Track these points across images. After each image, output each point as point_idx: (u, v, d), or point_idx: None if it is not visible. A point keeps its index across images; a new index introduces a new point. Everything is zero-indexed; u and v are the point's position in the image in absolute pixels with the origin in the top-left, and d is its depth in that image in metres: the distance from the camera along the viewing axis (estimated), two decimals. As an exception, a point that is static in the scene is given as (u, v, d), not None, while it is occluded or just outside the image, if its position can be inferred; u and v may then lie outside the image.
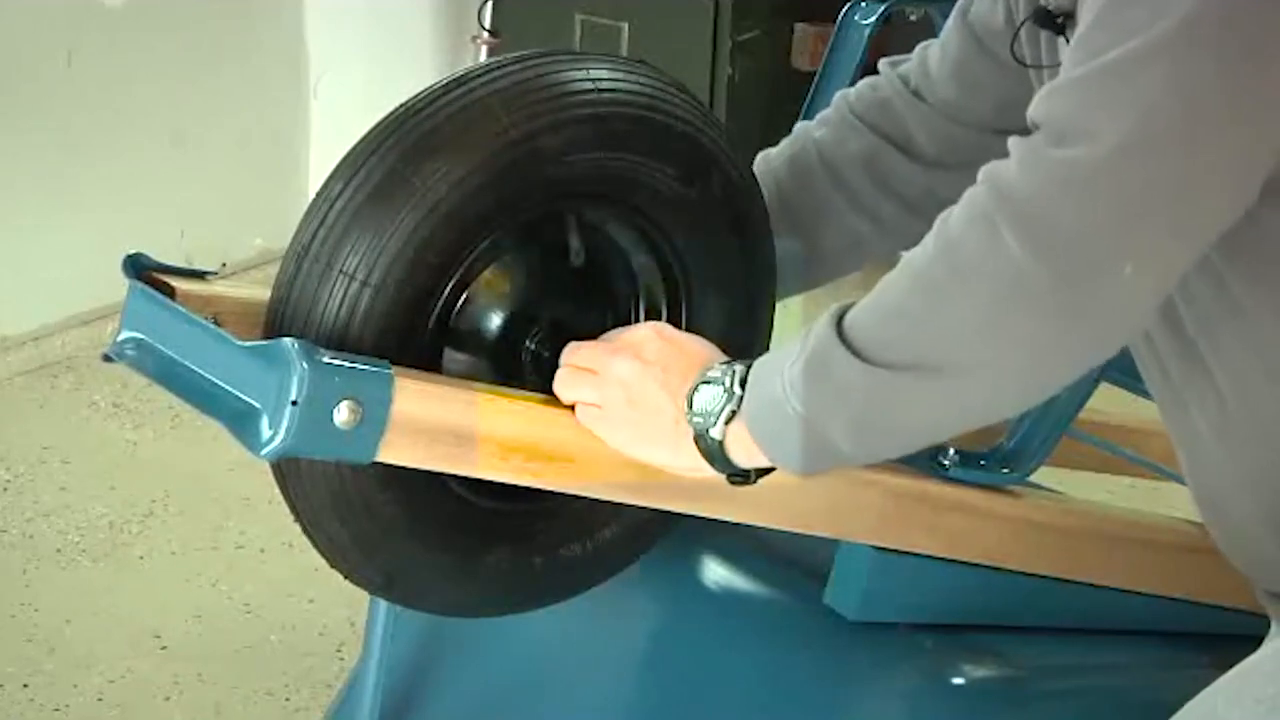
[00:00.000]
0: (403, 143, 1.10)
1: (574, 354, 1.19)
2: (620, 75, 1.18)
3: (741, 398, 1.10)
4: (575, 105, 1.14)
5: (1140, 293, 1.01)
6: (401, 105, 1.13)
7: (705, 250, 1.27)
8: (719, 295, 1.29)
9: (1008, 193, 1.00)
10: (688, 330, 1.26)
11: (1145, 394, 1.29)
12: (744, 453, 1.12)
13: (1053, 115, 1.00)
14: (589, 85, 1.16)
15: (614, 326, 1.27)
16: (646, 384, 1.14)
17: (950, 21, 1.42)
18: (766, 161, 1.47)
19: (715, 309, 1.30)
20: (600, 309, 1.28)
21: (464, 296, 1.18)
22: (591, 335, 1.23)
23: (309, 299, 1.09)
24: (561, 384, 1.18)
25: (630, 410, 1.15)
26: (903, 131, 1.43)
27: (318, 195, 1.11)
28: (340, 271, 1.08)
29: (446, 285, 1.14)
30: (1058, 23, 1.16)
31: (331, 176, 1.11)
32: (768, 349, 1.34)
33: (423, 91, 1.13)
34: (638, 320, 1.29)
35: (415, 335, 1.13)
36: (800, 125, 1.50)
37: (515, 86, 1.13)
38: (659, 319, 1.29)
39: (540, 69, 1.15)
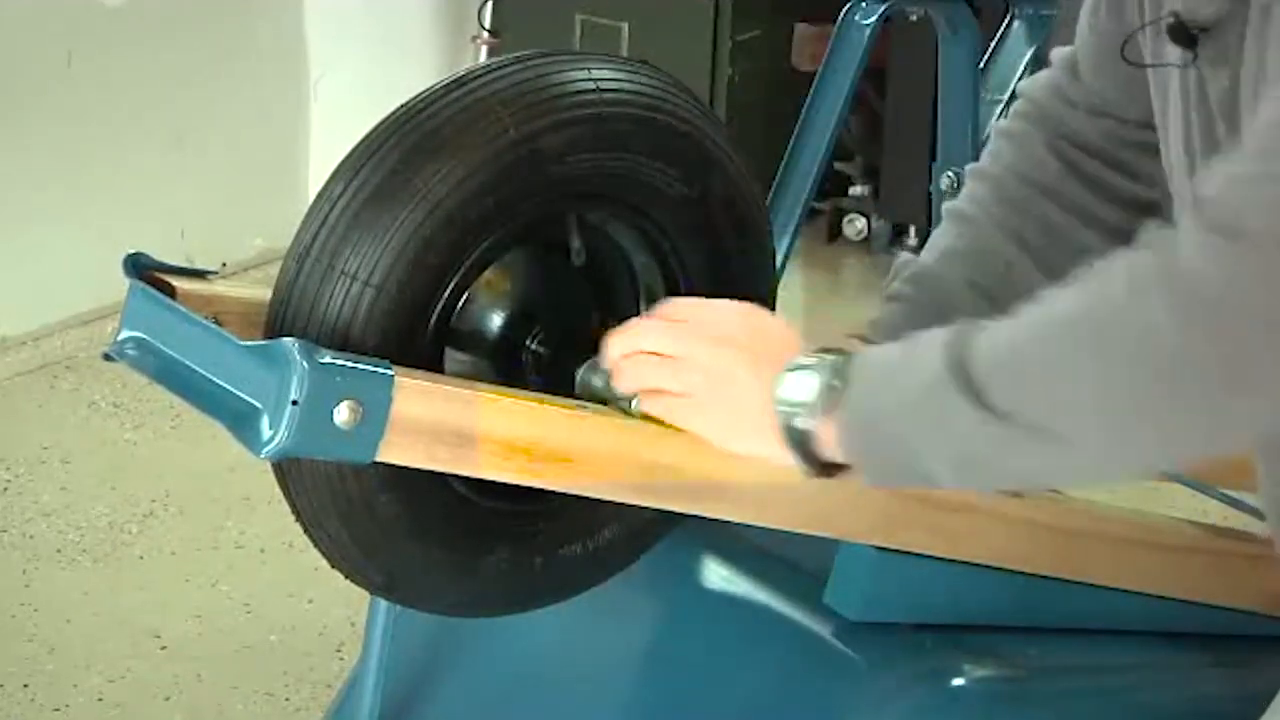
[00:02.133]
0: (403, 144, 1.10)
1: (644, 337, 1.13)
2: (622, 76, 1.18)
3: (837, 390, 1.05)
4: (576, 105, 1.14)
5: None
6: (402, 106, 1.13)
7: (707, 251, 1.27)
8: (720, 297, 1.29)
9: (1181, 275, 0.92)
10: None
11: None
12: (829, 447, 1.07)
13: (1229, 207, 0.93)
14: (590, 85, 1.15)
15: (615, 327, 1.27)
16: (735, 371, 1.09)
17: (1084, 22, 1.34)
18: (974, 201, 1.37)
19: (713, 283, 1.29)
20: (601, 309, 1.28)
21: (465, 296, 1.18)
22: (591, 336, 1.22)
23: (310, 299, 1.09)
24: (637, 375, 1.13)
25: (717, 399, 1.09)
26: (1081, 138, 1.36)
27: (318, 196, 1.11)
28: (341, 272, 1.08)
29: (448, 285, 1.14)
30: (1192, 35, 1.09)
31: (332, 177, 1.11)
32: None
33: (423, 92, 1.13)
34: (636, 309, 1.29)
35: (417, 335, 1.13)
36: (978, 169, 1.40)
37: (516, 87, 1.13)
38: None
39: (541, 69, 1.15)
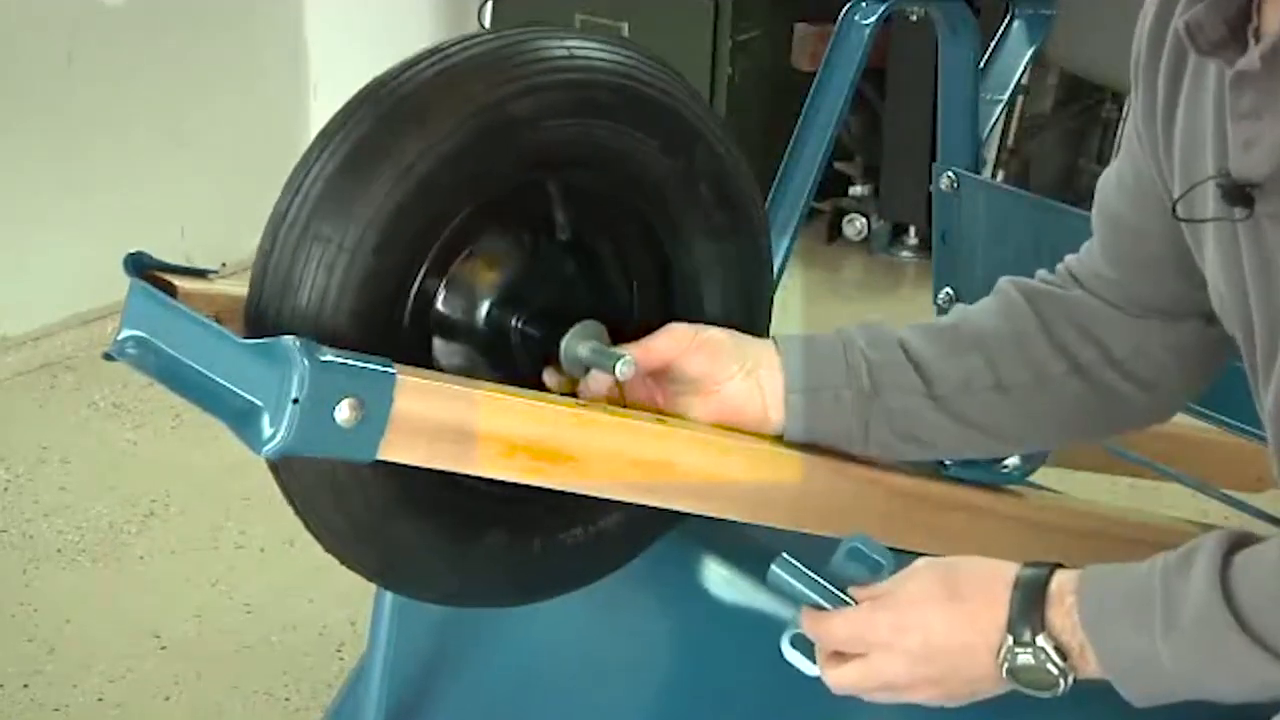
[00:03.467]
0: (377, 109, 1.10)
1: (833, 636, 1.12)
2: (596, 45, 1.18)
3: (1069, 665, 1.03)
4: (549, 71, 1.14)
5: None
6: (376, 78, 1.13)
7: (692, 224, 1.27)
8: (710, 273, 1.29)
9: None
10: (683, 304, 1.26)
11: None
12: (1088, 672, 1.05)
13: None
14: (563, 52, 1.15)
15: (603, 303, 1.27)
16: (945, 680, 1.07)
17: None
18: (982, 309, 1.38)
19: (709, 288, 1.29)
20: (589, 285, 1.28)
21: (449, 274, 1.18)
22: (582, 313, 1.22)
23: (285, 267, 1.09)
24: (846, 676, 1.11)
25: (940, 690, 1.08)
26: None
27: (295, 167, 1.12)
28: (315, 236, 1.08)
29: (427, 255, 1.14)
30: (1246, 194, 1.08)
31: (309, 149, 1.12)
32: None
33: (396, 64, 1.14)
34: (630, 296, 1.29)
35: (397, 306, 1.13)
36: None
37: (489, 54, 1.13)
38: (651, 297, 1.29)
39: (514, 39, 1.15)
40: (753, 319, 1.33)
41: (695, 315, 1.28)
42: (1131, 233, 1.29)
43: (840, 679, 1.11)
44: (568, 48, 1.16)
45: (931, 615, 1.07)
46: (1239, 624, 0.98)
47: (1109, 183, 1.32)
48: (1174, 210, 1.17)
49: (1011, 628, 1.04)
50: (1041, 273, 1.38)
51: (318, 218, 1.09)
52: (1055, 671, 1.03)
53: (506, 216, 1.21)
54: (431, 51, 1.14)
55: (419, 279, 1.15)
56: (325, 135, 1.11)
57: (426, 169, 1.10)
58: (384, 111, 1.10)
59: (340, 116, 1.12)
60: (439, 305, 1.19)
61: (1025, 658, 1.04)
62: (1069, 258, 1.38)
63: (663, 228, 1.27)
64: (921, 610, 1.08)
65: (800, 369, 1.26)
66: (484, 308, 1.21)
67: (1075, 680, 1.04)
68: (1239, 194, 1.09)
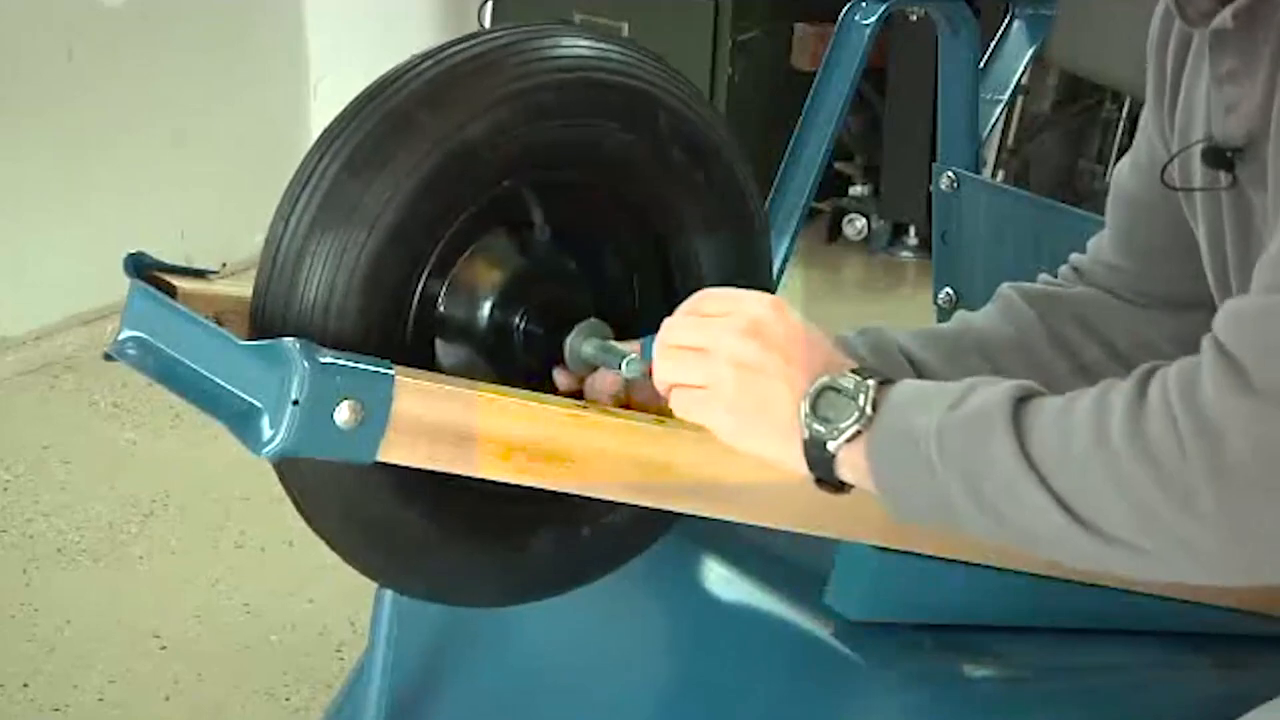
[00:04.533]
0: (340, 156, 1.10)
1: (675, 331, 1.12)
2: (534, 44, 1.17)
3: (872, 419, 1.05)
4: (495, 87, 1.13)
5: None
6: (334, 118, 1.13)
7: (670, 190, 1.25)
8: (703, 235, 1.28)
9: (1197, 410, 0.94)
10: (680, 277, 1.26)
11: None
12: (853, 473, 1.07)
13: (1236, 349, 0.94)
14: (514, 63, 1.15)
15: (604, 295, 1.27)
16: (765, 370, 1.07)
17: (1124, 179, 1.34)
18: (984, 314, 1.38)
19: (705, 251, 1.28)
20: (588, 278, 1.28)
21: (449, 282, 1.18)
22: (582, 310, 1.22)
23: (291, 266, 1.09)
24: (665, 369, 1.11)
25: (741, 396, 1.08)
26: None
27: (299, 169, 1.12)
28: (320, 237, 1.08)
29: (430, 253, 1.14)
30: (1228, 158, 1.09)
31: (311, 150, 1.13)
32: None
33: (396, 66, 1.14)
34: (629, 286, 1.29)
35: (402, 313, 1.14)
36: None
37: (433, 83, 1.12)
38: (650, 278, 1.28)
39: (457, 59, 1.14)
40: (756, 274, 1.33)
41: (693, 274, 1.28)
42: (1144, 213, 1.30)
43: (675, 341, 1.11)
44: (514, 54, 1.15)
45: (762, 312, 1.10)
46: (1015, 433, 0.99)
47: (1124, 167, 1.33)
48: (1162, 175, 1.18)
49: (833, 367, 1.08)
50: (1044, 275, 1.38)
51: (321, 219, 1.09)
52: (856, 411, 1.04)
53: (497, 225, 1.21)
54: (430, 53, 1.14)
55: (421, 281, 1.15)
56: (328, 135, 1.12)
57: (429, 172, 1.10)
58: (346, 158, 1.10)
59: (342, 116, 1.13)
60: (444, 320, 1.19)
61: (845, 380, 1.06)
62: (1074, 255, 1.39)
63: (645, 203, 1.26)
64: (751, 304, 1.10)
65: None
66: (486, 308, 1.21)
67: (849, 438, 1.05)
68: (1221, 158, 1.10)
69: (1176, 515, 0.95)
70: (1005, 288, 1.36)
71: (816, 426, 1.06)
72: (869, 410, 1.05)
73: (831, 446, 1.06)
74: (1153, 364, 0.99)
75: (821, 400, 1.06)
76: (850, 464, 1.06)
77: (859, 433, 1.05)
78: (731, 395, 1.08)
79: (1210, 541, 0.95)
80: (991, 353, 1.30)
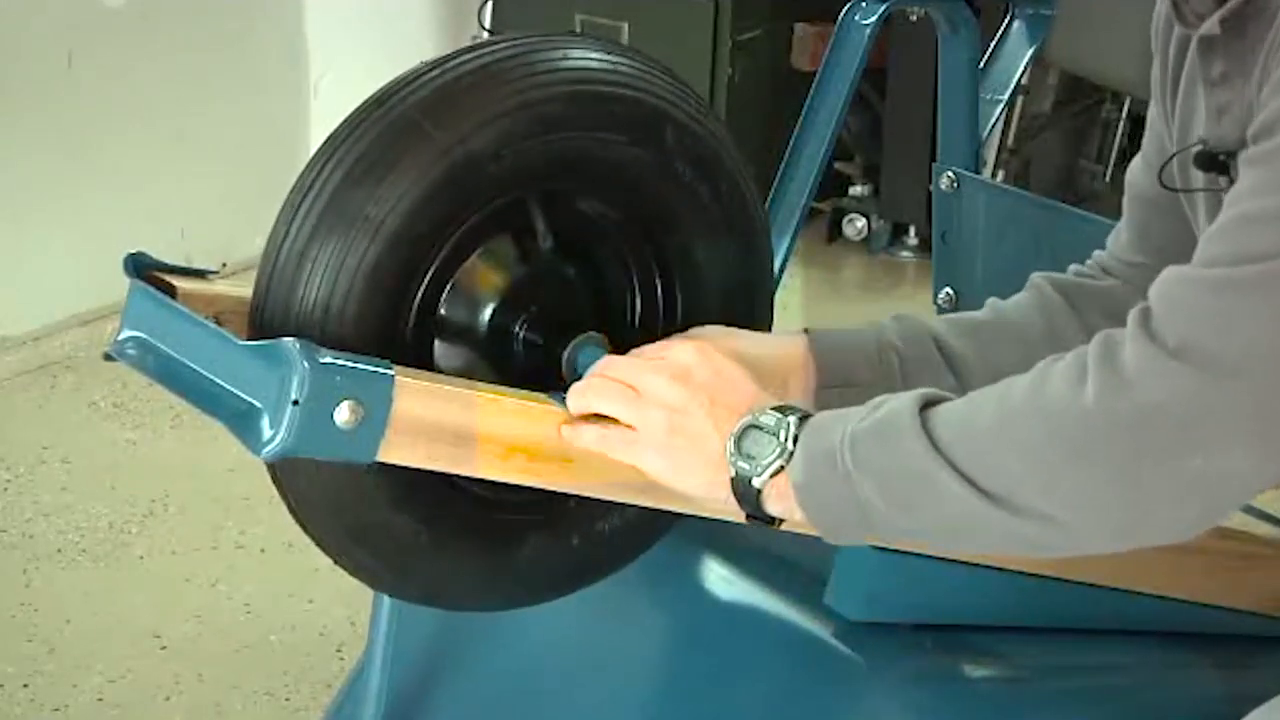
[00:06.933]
0: (343, 164, 1.10)
1: (608, 366, 1.15)
2: (543, 55, 1.16)
3: (792, 453, 1.07)
4: (501, 98, 1.13)
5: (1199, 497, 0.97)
6: (339, 125, 1.13)
7: (675, 201, 1.25)
8: (704, 246, 1.28)
9: (1113, 366, 0.96)
10: (682, 295, 1.26)
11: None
12: (780, 504, 1.09)
13: (1162, 314, 0.96)
14: (520, 74, 1.14)
15: (605, 303, 1.27)
16: (692, 412, 1.10)
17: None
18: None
19: (707, 264, 1.29)
20: (590, 287, 1.28)
21: (450, 285, 1.18)
22: (584, 317, 1.22)
23: (294, 264, 1.09)
24: (593, 393, 1.14)
25: (670, 437, 1.10)
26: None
27: (299, 178, 1.12)
28: (324, 236, 1.09)
29: (432, 260, 1.14)
30: (1220, 161, 1.10)
31: (311, 161, 1.13)
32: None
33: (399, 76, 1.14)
34: (630, 295, 1.29)
35: (400, 319, 1.14)
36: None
37: (438, 93, 1.12)
38: (651, 289, 1.28)
39: (462, 70, 1.13)
40: (754, 316, 1.33)
41: (698, 314, 1.28)
42: (1156, 211, 1.30)
43: (599, 392, 1.14)
44: (522, 66, 1.15)
45: (688, 357, 1.13)
46: (922, 424, 1.02)
47: (1136, 164, 1.34)
48: (1160, 177, 1.19)
49: (757, 406, 1.10)
50: (1074, 266, 1.38)
51: (323, 224, 1.09)
52: (778, 447, 1.07)
53: (501, 232, 1.21)
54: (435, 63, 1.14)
55: (421, 287, 1.15)
56: (333, 141, 1.11)
57: (433, 182, 1.10)
58: (348, 168, 1.10)
59: (344, 127, 1.12)
60: (444, 322, 1.19)
61: (767, 418, 1.08)
62: (1098, 251, 1.39)
63: (648, 215, 1.26)
64: (678, 351, 1.14)
65: (833, 365, 1.27)
66: (486, 317, 1.21)
67: (774, 472, 1.07)
68: (1214, 162, 1.11)
69: (1071, 468, 0.96)
70: (1037, 277, 1.37)
71: (741, 464, 1.09)
72: (789, 445, 1.07)
73: (756, 482, 1.08)
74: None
75: (745, 439, 1.09)
76: (776, 496, 1.09)
77: (781, 468, 1.07)
78: (661, 438, 1.11)
79: (1108, 494, 0.96)
80: (1024, 344, 1.30)
